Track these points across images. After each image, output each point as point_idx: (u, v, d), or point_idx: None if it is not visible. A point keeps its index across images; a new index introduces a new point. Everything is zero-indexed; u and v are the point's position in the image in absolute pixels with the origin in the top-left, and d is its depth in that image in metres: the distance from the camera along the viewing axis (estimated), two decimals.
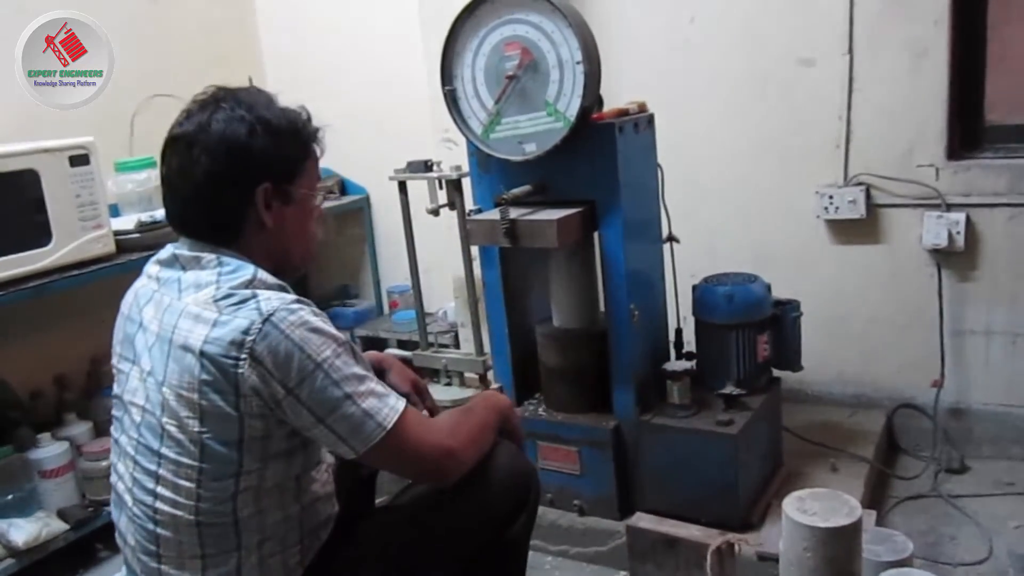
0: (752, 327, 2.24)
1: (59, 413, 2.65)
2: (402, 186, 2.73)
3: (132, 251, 2.59)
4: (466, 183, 2.59)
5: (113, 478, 1.47)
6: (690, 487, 2.13)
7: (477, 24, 2.09)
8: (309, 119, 1.46)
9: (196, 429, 1.30)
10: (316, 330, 1.31)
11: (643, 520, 2.06)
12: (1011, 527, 2.26)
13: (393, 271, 3.57)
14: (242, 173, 1.37)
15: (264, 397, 1.29)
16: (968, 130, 2.51)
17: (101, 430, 2.66)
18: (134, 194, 2.84)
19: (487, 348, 2.74)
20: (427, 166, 2.63)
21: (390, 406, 1.35)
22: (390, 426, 1.33)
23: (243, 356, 1.27)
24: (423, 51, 2.84)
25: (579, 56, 1.97)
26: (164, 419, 1.32)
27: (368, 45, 3.34)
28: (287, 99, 1.47)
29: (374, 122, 3.32)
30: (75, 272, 2.42)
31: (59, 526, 2.42)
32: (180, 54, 3.18)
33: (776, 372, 2.37)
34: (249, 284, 1.34)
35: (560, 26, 1.99)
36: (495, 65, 2.09)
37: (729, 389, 2.17)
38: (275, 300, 1.31)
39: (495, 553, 1.62)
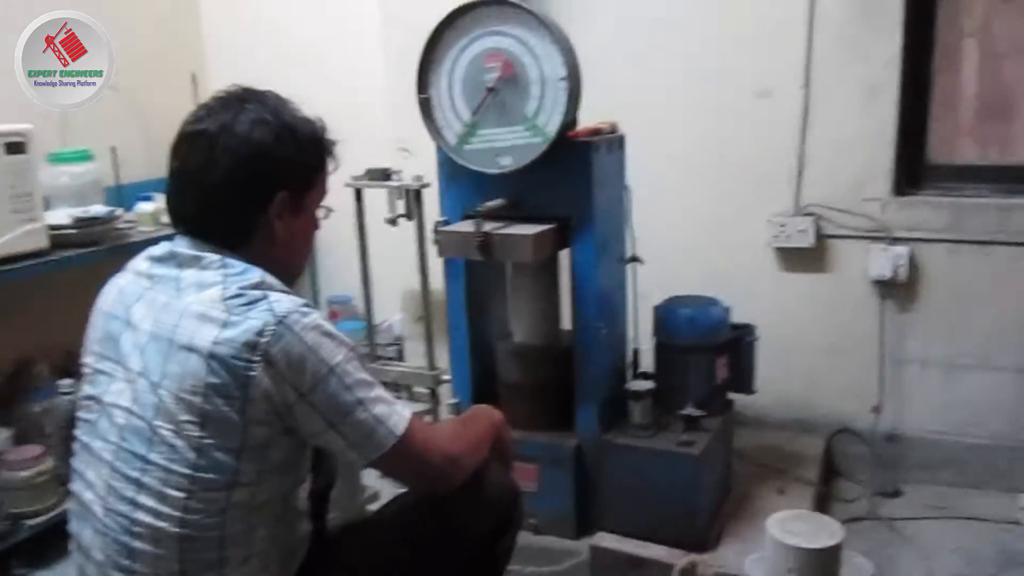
0: (712, 349, 2.27)
1: None
2: (358, 194, 2.67)
3: (66, 247, 2.45)
4: (426, 193, 2.56)
5: (77, 486, 1.37)
6: (650, 507, 2.14)
7: (458, 34, 2.07)
8: (326, 129, 1.44)
9: (196, 434, 1.24)
10: (328, 334, 1.29)
11: (607, 540, 2.05)
12: (948, 550, 2.35)
13: (332, 281, 3.48)
14: (264, 179, 1.34)
15: (275, 402, 1.25)
16: (912, 168, 2.63)
17: (22, 438, 2.49)
18: (69, 188, 2.67)
19: (438, 362, 2.70)
20: (386, 174, 2.58)
21: (399, 413, 1.34)
22: (400, 432, 1.32)
23: (256, 358, 1.23)
24: (384, 58, 2.80)
25: (563, 72, 1.97)
26: (157, 423, 1.26)
27: (318, 48, 3.26)
28: None
29: None
30: (5, 267, 2.27)
31: None
32: (120, 45, 3.03)
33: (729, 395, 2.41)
34: (259, 286, 1.29)
35: (544, 41, 1.99)
36: (474, 76, 2.07)
37: (690, 410, 2.19)
38: (287, 302, 1.28)
39: (475, 572, 1.58)
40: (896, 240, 2.58)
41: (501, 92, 2.05)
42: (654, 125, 2.74)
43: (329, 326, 1.31)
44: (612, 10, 2.76)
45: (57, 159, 2.69)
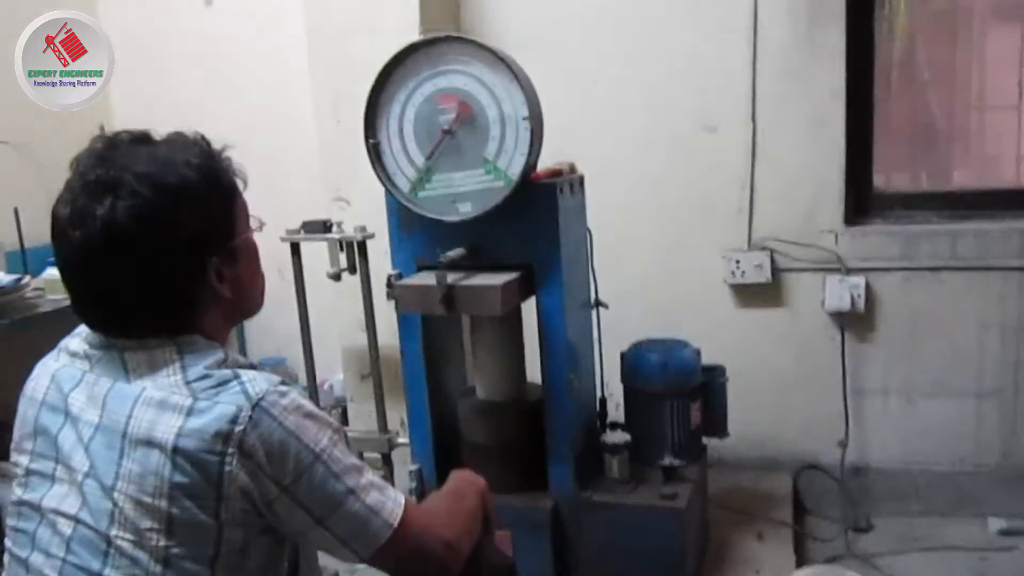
0: (686, 394, 2.18)
1: None
2: (295, 248, 2.48)
3: None
4: (372, 244, 2.41)
5: None
6: (634, 566, 2.01)
7: (407, 74, 1.93)
8: (213, 151, 1.19)
9: (161, 544, 1.04)
10: (311, 415, 1.11)
11: None
12: None
13: (261, 341, 3.26)
14: (181, 263, 1.12)
15: (253, 498, 1.07)
16: (861, 197, 2.62)
17: None
18: None
19: (388, 424, 2.52)
20: (326, 226, 2.41)
21: (392, 499, 1.16)
22: (397, 522, 1.15)
23: (230, 450, 1.04)
24: (313, 103, 2.64)
25: (525, 111, 1.86)
26: (113, 532, 1.06)
27: (238, 95, 3.08)
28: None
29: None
30: None
31: None
32: (16, 96, 2.78)
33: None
34: (223, 364, 1.11)
35: (504, 79, 1.87)
36: (427, 118, 1.93)
37: (668, 461, 2.09)
38: (262, 381, 1.09)
39: None
40: (851, 271, 2.56)
41: (457, 135, 1.92)
42: (601, 162, 2.65)
43: (311, 406, 1.14)
44: (554, 45, 2.67)
45: None
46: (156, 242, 1.09)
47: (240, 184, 1.22)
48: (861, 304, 2.55)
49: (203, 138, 1.20)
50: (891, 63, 2.74)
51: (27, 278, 2.37)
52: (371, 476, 1.17)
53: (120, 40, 3.16)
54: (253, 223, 1.26)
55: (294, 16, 2.75)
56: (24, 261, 2.57)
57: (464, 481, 1.48)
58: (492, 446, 2.13)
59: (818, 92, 2.52)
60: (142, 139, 1.17)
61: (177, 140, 1.18)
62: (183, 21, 3.14)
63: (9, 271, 2.43)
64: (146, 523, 1.05)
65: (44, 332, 1.97)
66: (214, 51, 3.11)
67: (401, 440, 2.43)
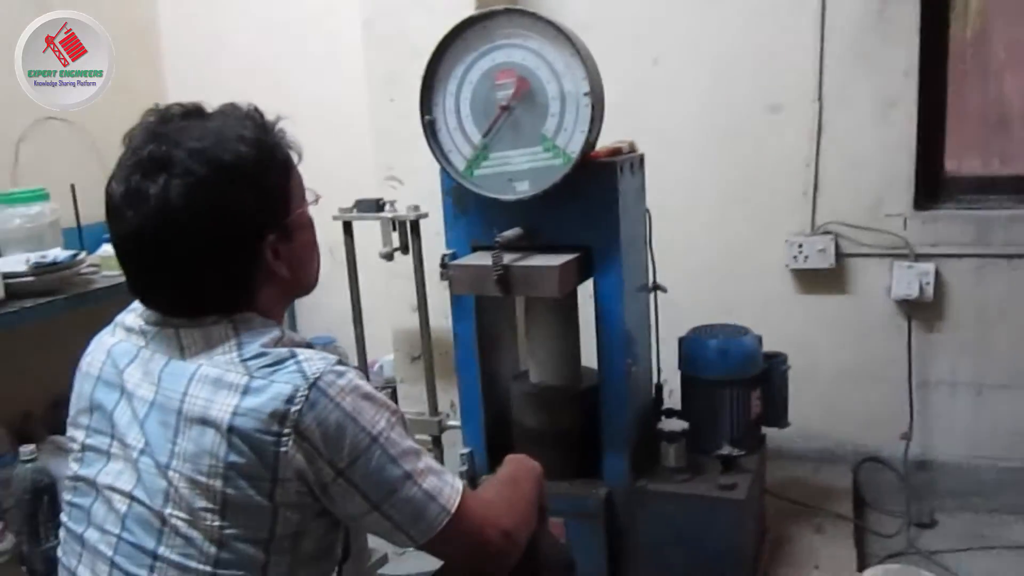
0: (746, 383, 2.11)
1: None
2: (347, 227, 2.45)
3: (24, 297, 2.19)
4: (424, 224, 2.37)
5: None
6: (690, 557, 1.96)
7: (464, 48, 1.88)
8: (267, 124, 1.16)
9: (216, 524, 1.02)
10: (368, 396, 1.09)
11: None
12: None
13: (310, 321, 3.25)
14: (236, 241, 1.10)
15: (308, 481, 1.04)
16: (931, 181, 2.51)
17: None
18: (22, 230, 2.42)
19: (440, 406, 2.49)
20: (379, 205, 2.37)
21: (450, 484, 1.13)
22: (454, 509, 1.11)
23: (286, 431, 1.02)
24: (367, 82, 2.60)
25: (586, 87, 1.80)
26: (168, 511, 1.04)
27: (291, 73, 3.06)
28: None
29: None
30: None
31: None
32: None
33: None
34: (279, 342, 1.08)
35: (565, 54, 1.81)
36: (484, 94, 1.88)
37: (727, 450, 2.03)
38: (318, 361, 1.07)
39: None
40: (920, 257, 2.46)
41: (515, 111, 1.87)
42: (661, 141, 2.58)
43: (368, 387, 1.11)
44: (616, 22, 2.60)
45: (8, 200, 2.44)
46: (211, 221, 1.07)
47: (295, 157, 1.20)
48: (930, 292, 2.45)
49: (256, 110, 1.17)
50: (964, 43, 2.62)
51: (83, 254, 2.38)
52: (429, 460, 1.14)
53: (176, 20, 3.20)
54: (309, 196, 1.23)
55: None
56: (80, 237, 2.58)
57: (521, 467, 1.44)
58: (545, 431, 2.09)
59: (889, 71, 2.42)
60: (195, 112, 1.14)
61: (231, 113, 1.15)
62: None
63: (66, 248, 2.44)
64: (200, 503, 1.03)
65: (100, 308, 1.98)
66: (266, 28, 3.09)
67: (452, 422, 2.40)
